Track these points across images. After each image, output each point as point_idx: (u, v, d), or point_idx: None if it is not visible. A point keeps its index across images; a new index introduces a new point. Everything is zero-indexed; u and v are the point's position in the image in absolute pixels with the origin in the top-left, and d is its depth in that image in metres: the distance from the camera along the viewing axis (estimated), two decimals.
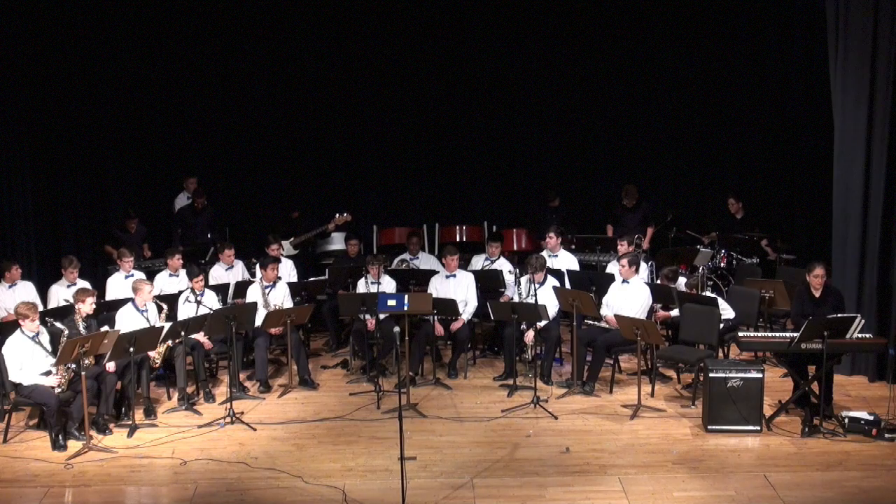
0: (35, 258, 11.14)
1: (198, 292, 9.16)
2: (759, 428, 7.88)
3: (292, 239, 11.70)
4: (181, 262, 10.08)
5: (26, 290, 9.58)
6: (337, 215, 11.83)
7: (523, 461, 7.40)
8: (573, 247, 11.31)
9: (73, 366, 7.73)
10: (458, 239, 12.30)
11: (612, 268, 10.03)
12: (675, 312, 9.27)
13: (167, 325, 8.45)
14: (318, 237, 11.99)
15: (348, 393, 9.06)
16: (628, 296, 9.11)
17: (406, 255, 11.01)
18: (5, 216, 10.90)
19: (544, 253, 10.25)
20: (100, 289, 9.74)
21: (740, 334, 8.43)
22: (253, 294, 9.54)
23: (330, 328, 10.66)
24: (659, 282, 9.81)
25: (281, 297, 9.64)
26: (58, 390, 7.72)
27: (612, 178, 12.82)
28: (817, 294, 8.19)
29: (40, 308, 8.58)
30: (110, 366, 8.10)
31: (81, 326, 8.21)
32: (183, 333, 8.56)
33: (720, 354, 9.03)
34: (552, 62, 12.85)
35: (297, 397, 9.00)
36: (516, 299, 9.28)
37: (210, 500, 6.84)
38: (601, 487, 6.93)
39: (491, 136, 13.15)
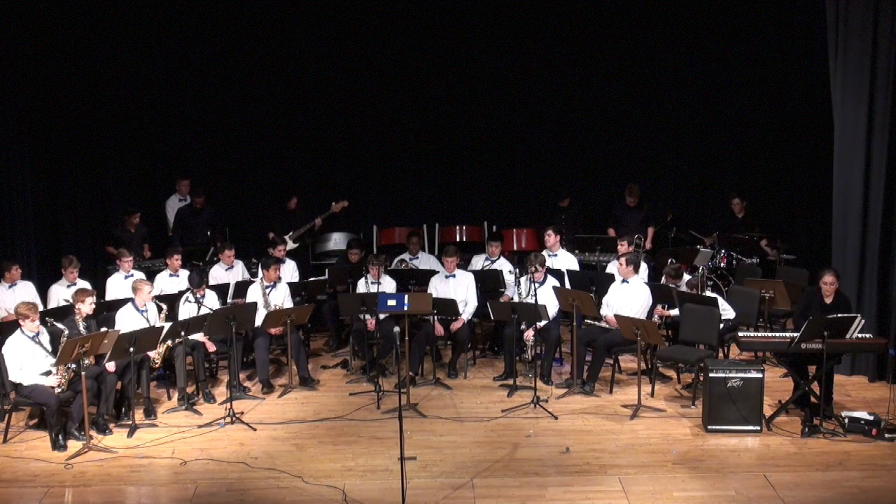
0: (35, 258, 11.12)
1: (199, 295, 9.15)
2: (759, 428, 7.88)
3: (291, 233, 11.70)
4: (179, 262, 10.09)
5: (26, 290, 9.58)
6: (333, 203, 11.82)
7: (523, 461, 7.40)
8: (565, 243, 11.27)
9: (73, 366, 7.73)
10: (458, 239, 12.29)
11: (612, 268, 10.03)
12: (675, 312, 9.27)
13: (167, 325, 8.45)
14: (313, 229, 11.96)
15: (348, 393, 9.06)
16: (628, 296, 9.12)
17: (406, 255, 11.01)
18: (5, 216, 10.89)
19: (544, 252, 10.24)
20: (100, 289, 9.75)
21: (740, 334, 8.43)
22: (253, 294, 9.53)
23: (330, 328, 10.66)
24: (663, 279, 9.81)
25: (281, 298, 9.64)
26: (58, 390, 7.72)
27: (613, 178, 12.80)
28: (829, 300, 8.16)
29: (40, 308, 8.57)
30: (110, 366, 8.10)
31: (81, 326, 8.21)
32: (183, 333, 8.56)
33: (720, 354, 9.03)
34: (552, 62, 12.84)
35: (297, 397, 9.00)
36: (516, 299, 9.28)
37: (210, 500, 6.85)
38: (601, 487, 6.94)
39: (491, 136, 13.14)
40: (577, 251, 11.28)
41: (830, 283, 8.11)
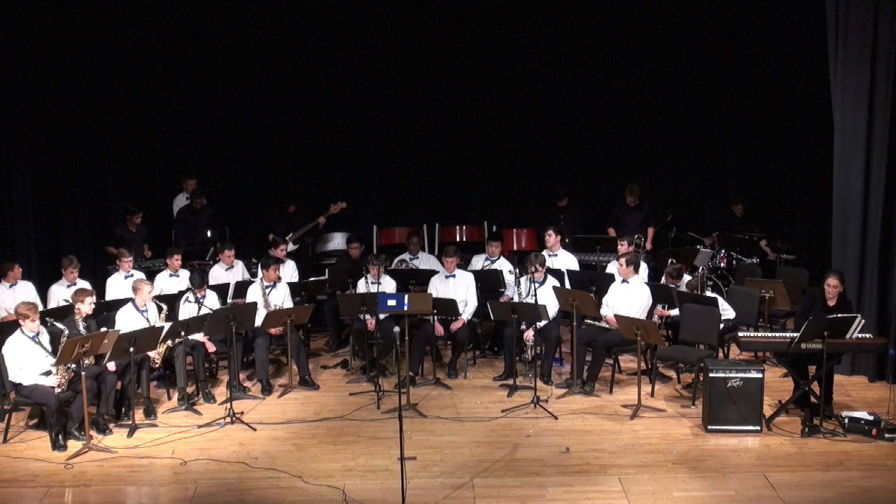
0: (35, 258, 11.13)
1: (200, 296, 9.15)
2: (759, 428, 7.88)
3: (291, 234, 11.70)
4: (179, 262, 10.09)
5: (26, 290, 9.59)
6: (332, 205, 11.84)
7: (523, 461, 7.40)
8: (566, 240, 11.30)
9: (73, 366, 7.73)
10: (458, 239, 12.28)
11: (612, 268, 10.04)
12: (675, 312, 9.27)
13: (167, 325, 8.45)
14: (315, 229, 11.98)
15: (348, 393, 9.06)
16: (628, 296, 9.12)
17: (406, 255, 11.01)
18: (5, 216, 10.91)
19: (544, 252, 10.24)
20: (100, 289, 9.75)
21: (740, 334, 8.43)
22: (253, 294, 9.53)
23: (330, 328, 10.65)
24: (664, 279, 9.81)
25: (281, 298, 9.64)
26: (58, 390, 7.72)
27: (613, 178, 12.82)
28: (831, 303, 8.17)
29: (40, 308, 8.57)
30: (111, 366, 8.10)
31: (81, 326, 8.21)
32: (183, 333, 8.56)
33: (720, 354, 9.03)
34: (552, 62, 12.84)
35: (297, 397, 9.00)
36: (516, 299, 9.28)
37: (210, 500, 6.85)
38: (601, 487, 6.94)
39: (491, 135, 13.14)
40: (577, 251, 11.29)
41: (834, 286, 8.11)
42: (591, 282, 9.76)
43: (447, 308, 9.26)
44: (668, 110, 12.95)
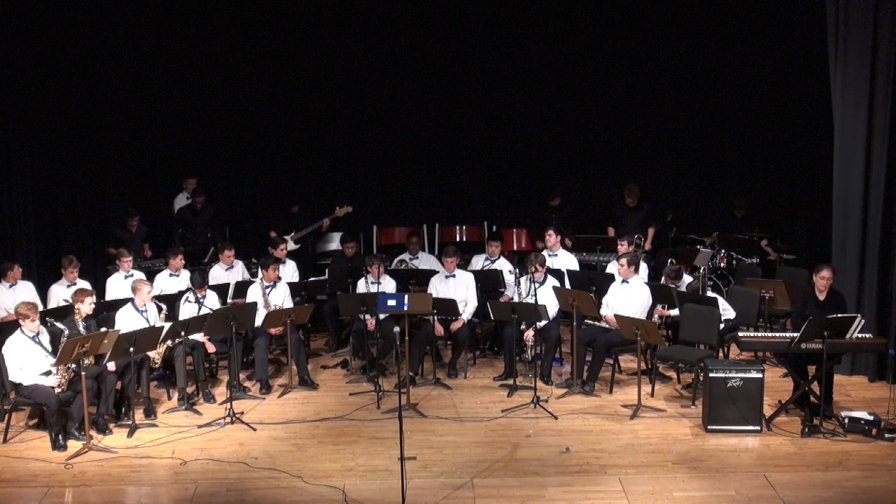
0: (35, 258, 11.13)
1: (200, 296, 9.14)
2: (759, 428, 7.88)
3: (293, 234, 11.70)
4: (182, 262, 10.10)
5: (26, 290, 9.59)
6: (337, 208, 11.84)
7: (523, 461, 7.41)
8: (569, 243, 11.30)
9: (73, 366, 7.73)
10: (458, 239, 12.29)
11: (612, 268, 10.04)
12: (675, 312, 9.27)
13: (167, 325, 8.45)
14: (319, 231, 11.99)
15: (348, 393, 9.06)
16: (628, 296, 9.12)
17: (406, 255, 11.01)
18: (5, 216, 10.90)
19: (544, 252, 10.24)
20: (100, 289, 9.75)
21: (740, 334, 8.43)
22: (253, 294, 9.53)
23: (330, 328, 10.65)
24: (663, 280, 9.81)
25: (281, 298, 9.64)
26: (58, 390, 7.72)
27: (613, 178, 12.81)
28: (822, 297, 8.19)
29: (40, 308, 8.57)
30: (111, 365, 8.10)
31: (81, 326, 8.21)
32: (183, 333, 8.56)
33: (720, 354, 9.03)
34: (552, 62, 12.84)
35: (297, 397, 9.00)
36: (516, 299, 9.28)
37: (210, 500, 6.85)
38: (601, 487, 6.94)
39: (491, 136, 13.14)
40: (572, 251, 11.29)
41: (827, 279, 8.14)
42: (591, 282, 9.77)
43: (447, 308, 9.26)
44: (668, 110, 12.94)
